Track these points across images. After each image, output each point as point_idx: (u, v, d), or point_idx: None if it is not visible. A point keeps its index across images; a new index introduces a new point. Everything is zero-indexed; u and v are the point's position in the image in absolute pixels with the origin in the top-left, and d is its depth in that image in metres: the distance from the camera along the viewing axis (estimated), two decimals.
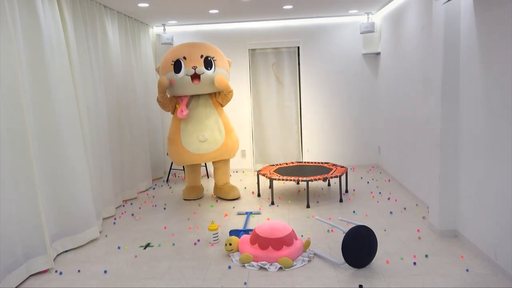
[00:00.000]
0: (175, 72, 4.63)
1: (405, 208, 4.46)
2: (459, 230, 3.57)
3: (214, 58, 4.72)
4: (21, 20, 3.25)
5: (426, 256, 3.23)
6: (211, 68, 4.67)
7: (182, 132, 4.74)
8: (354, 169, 6.53)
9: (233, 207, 4.79)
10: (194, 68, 4.59)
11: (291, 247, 3.27)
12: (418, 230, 3.78)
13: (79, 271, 3.28)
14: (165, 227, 4.18)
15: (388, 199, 4.83)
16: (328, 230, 3.90)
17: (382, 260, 3.22)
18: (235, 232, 3.73)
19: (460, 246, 3.41)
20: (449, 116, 3.53)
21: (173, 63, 4.65)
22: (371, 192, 5.16)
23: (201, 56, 4.65)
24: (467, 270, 2.83)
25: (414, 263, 3.12)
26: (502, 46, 2.81)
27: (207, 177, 6.43)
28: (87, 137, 4.02)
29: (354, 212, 4.42)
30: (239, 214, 4.53)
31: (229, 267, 3.19)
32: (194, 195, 5.17)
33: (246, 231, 3.74)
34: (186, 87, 4.66)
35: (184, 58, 4.62)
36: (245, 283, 2.93)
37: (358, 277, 2.97)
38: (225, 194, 5.08)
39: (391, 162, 5.86)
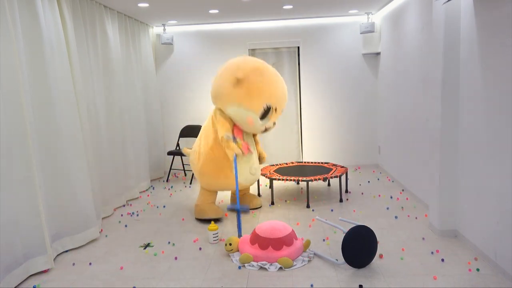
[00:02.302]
0: (260, 117, 4.04)
1: (405, 208, 4.46)
2: (459, 230, 3.57)
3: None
4: (21, 20, 3.25)
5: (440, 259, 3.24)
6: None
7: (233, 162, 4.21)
8: (355, 169, 6.53)
9: (222, 201, 4.99)
10: (274, 124, 4.20)
11: (291, 247, 3.27)
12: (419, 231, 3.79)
13: (90, 263, 3.32)
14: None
15: (390, 197, 4.84)
16: (334, 231, 3.90)
17: (382, 260, 3.22)
18: (232, 207, 3.89)
19: (460, 246, 3.41)
20: (449, 116, 3.53)
21: (266, 108, 3.99)
22: (373, 196, 5.15)
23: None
24: None
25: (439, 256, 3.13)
26: (502, 46, 2.81)
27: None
28: (87, 137, 4.02)
29: (332, 210, 4.42)
30: (228, 209, 4.52)
31: (239, 267, 3.18)
32: (215, 212, 4.28)
33: (242, 208, 3.83)
34: (250, 129, 4.17)
35: (275, 110, 4.07)
36: (311, 285, 2.87)
37: (358, 277, 2.97)
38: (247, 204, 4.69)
39: (391, 162, 5.86)
